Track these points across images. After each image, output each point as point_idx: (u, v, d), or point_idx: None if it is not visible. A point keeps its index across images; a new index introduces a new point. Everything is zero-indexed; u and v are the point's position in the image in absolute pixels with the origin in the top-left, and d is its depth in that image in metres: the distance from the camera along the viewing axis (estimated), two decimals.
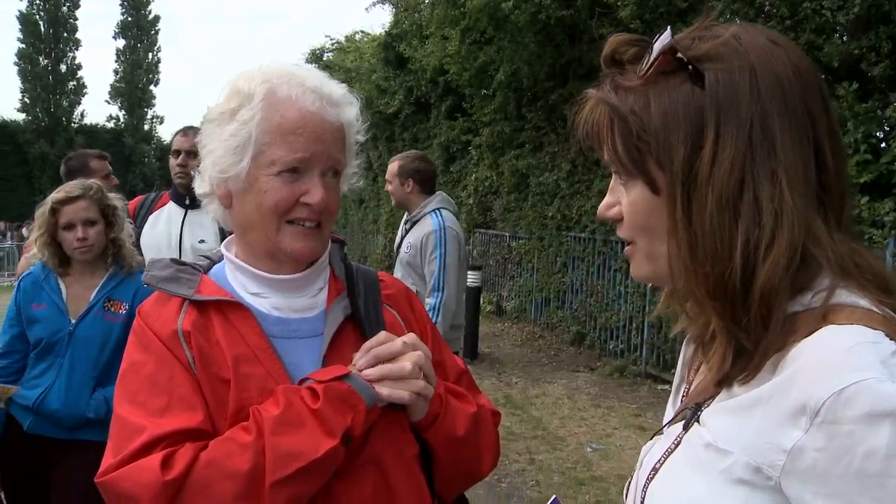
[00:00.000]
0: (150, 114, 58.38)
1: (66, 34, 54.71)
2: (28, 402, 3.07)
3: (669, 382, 6.40)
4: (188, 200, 4.09)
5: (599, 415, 7.82)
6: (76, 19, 55.44)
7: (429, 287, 4.66)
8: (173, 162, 4.19)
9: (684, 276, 0.95)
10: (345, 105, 1.48)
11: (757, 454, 0.86)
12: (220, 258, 1.60)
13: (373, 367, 1.39)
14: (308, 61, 25.27)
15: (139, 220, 4.10)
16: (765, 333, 0.91)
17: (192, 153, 4.02)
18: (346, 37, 24.46)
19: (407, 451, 1.47)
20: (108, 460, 1.32)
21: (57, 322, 3.11)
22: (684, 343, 1.20)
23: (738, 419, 0.91)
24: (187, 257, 3.96)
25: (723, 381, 0.96)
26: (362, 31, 23.69)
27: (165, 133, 59.10)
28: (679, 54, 0.94)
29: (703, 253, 0.92)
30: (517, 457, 6.48)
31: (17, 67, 53.67)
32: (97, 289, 3.18)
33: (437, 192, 4.97)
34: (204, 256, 1.63)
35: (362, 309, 1.53)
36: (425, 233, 4.71)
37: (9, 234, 30.85)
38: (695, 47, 0.95)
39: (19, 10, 53.71)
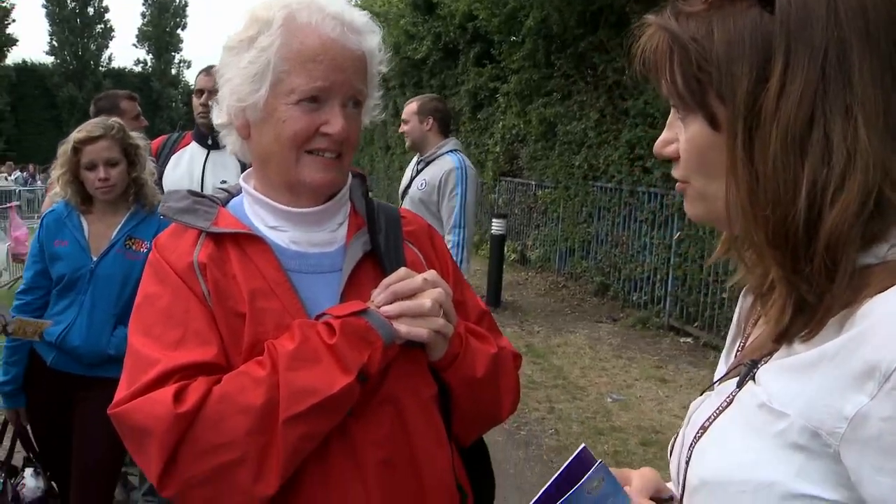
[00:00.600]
0: (177, 58, 58.54)
1: None
2: (51, 338, 3.09)
3: (692, 335, 6.50)
4: (210, 141, 4.07)
5: (620, 365, 7.81)
6: None
7: (448, 224, 4.69)
8: (196, 102, 4.17)
9: (742, 221, 0.87)
10: (367, 33, 1.44)
11: (816, 418, 0.79)
12: (239, 191, 1.57)
13: (391, 303, 1.35)
14: None
15: (161, 160, 4.08)
16: (830, 286, 0.82)
17: (216, 92, 3.98)
18: None
19: (425, 391, 1.44)
20: (121, 392, 1.32)
21: (79, 259, 3.12)
22: (742, 293, 1.11)
23: (797, 379, 0.82)
24: None
25: (782, 337, 0.88)
26: None
27: (192, 77, 58.72)
28: None
29: (765, 195, 0.83)
30: (537, 405, 6.50)
31: (44, 10, 53.69)
32: (119, 227, 3.18)
33: (450, 137, 5.04)
34: (222, 189, 1.60)
35: (383, 245, 1.50)
36: (446, 170, 4.75)
37: (38, 177, 31.06)
38: None
39: None
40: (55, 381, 3.14)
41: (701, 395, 1.07)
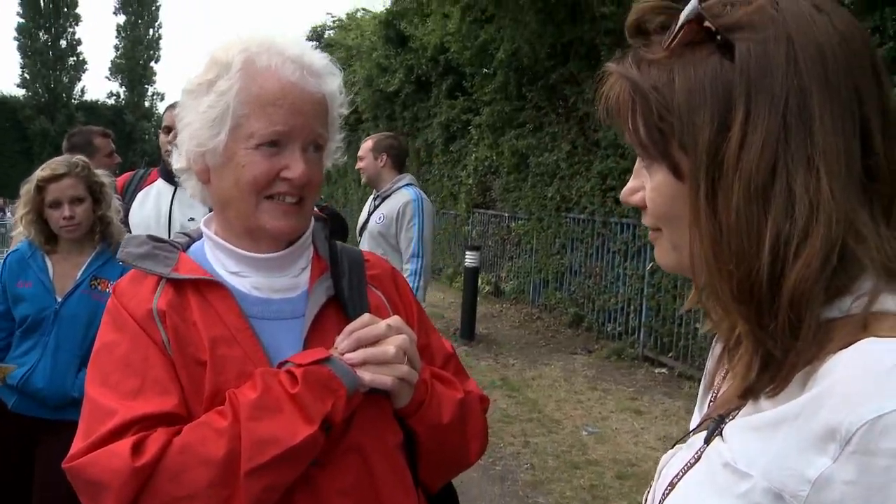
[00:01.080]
0: (150, 90, 58.27)
1: (65, 9, 54.52)
2: (12, 381, 3.03)
3: (666, 366, 6.49)
4: (178, 177, 4.00)
5: (596, 398, 7.79)
6: None
7: (406, 254, 4.83)
8: (164, 139, 4.08)
9: (707, 274, 0.85)
10: (326, 76, 1.42)
11: (779, 480, 0.76)
12: (200, 236, 1.54)
13: (355, 350, 1.33)
14: (309, 38, 25.09)
15: (127, 197, 4.00)
16: (794, 342, 0.79)
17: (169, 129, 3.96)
18: (348, 14, 24.30)
19: (390, 439, 1.42)
20: (77, 444, 1.28)
21: (43, 300, 3.07)
22: (714, 341, 1.08)
23: (760, 438, 0.80)
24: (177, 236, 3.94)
25: (748, 393, 0.86)
26: (363, 9, 23.53)
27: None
28: (706, 22, 0.83)
29: (728, 249, 0.81)
30: (512, 439, 6.45)
31: (16, 42, 53.44)
32: (84, 267, 3.14)
33: (405, 173, 5.21)
34: (183, 234, 1.58)
35: (346, 290, 1.47)
36: (402, 202, 4.91)
37: (8, 211, 30.76)
38: (726, 15, 0.84)
39: None
40: (17, 426, 3.08)
41: (672, 447, 1.02)
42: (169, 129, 4.00)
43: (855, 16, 0.86)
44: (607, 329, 10.25)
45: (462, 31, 13.06)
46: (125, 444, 1.21)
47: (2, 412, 3.09)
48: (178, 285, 1.39)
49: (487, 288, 13.83)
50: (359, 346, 1.33)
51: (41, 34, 53.82)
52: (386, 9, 18.80)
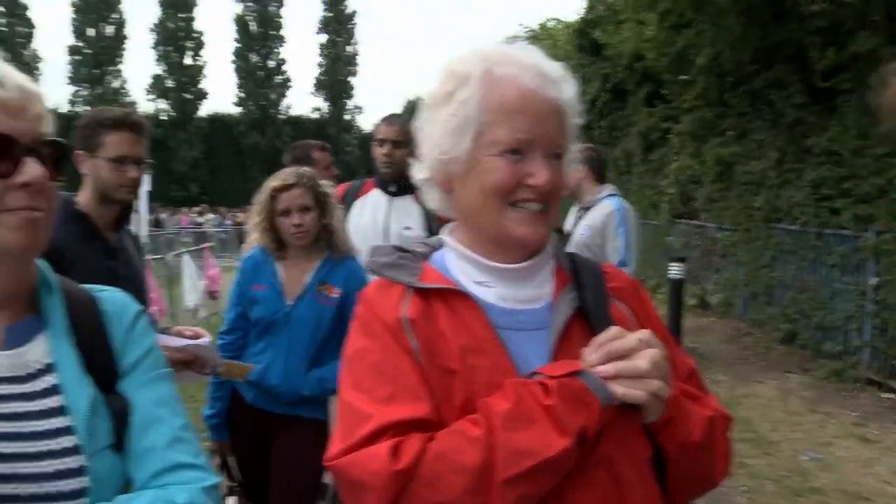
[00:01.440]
0: (350, 104, 60.86)
1: (273, 32, 58.17)
2: (251, 377, 3.29)
3: (895, 391, 5.99)
4: (394, 188, 4.19)
5: (816, 421, 7.43)
6: (281, 17, 58.79)
7: (615, 263, 4.79)
8: (379, 151, 4.25)
9: None
10: (563, 83, 1.42)
11: None
12: (439, 245, 1.57)
13: (605, 363, 1.32)
14: None
15: (346, 207, 4.16)
16: None
17: (398, 142, 4.13)
18: (540, 24, 24.37)
19: (641, 454, 1.40)
20: (336, 445, 1.34)
21: (275, 303, 3.30)
22: None
23: None
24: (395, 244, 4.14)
25: None
26: (556, 19, 23.54)
27: (364, 122, 61.22)
28: None
29: None
30: None
31: (233, 65, 57.69)
32: (312, 272, 3.34)
33: (605, 183, 5.22)
34: (423, 243, 1.59)
35: (590, 302, 1.46)
36: (606, 213, 4.94)
37: (227, 219, 33.21)
38: None
39: (235, 13, 57.71)
40: (255, 418, 3.36)
41: None
42: (383, 142, 4.22)
43: None
44: (825, 348, 9.71)
45: (659, 37, 12.84)
46: (383, 447, 1.26)
47: (242, 405, 3.38)
48: (424, 295, 1.41)
49: (693, 301, 13.48)
50: (609, 358, 1.32)
51: (252, 56, 57.79)
52: (579, 17, 18.76)
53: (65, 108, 52.91)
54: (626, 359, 1.31)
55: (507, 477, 1.23)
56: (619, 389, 1.30)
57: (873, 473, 6.08)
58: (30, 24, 52.81)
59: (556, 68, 1.42)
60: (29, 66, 52.65)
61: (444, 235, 1.56)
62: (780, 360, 10.02)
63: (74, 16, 53.93)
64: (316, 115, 59.85)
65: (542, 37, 22.94)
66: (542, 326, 1.42)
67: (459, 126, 1.38)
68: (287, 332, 3.29)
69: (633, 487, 1.36)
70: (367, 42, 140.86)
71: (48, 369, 1.27)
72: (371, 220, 4.17)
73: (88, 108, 52.13)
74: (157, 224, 30.73)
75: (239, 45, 57.41)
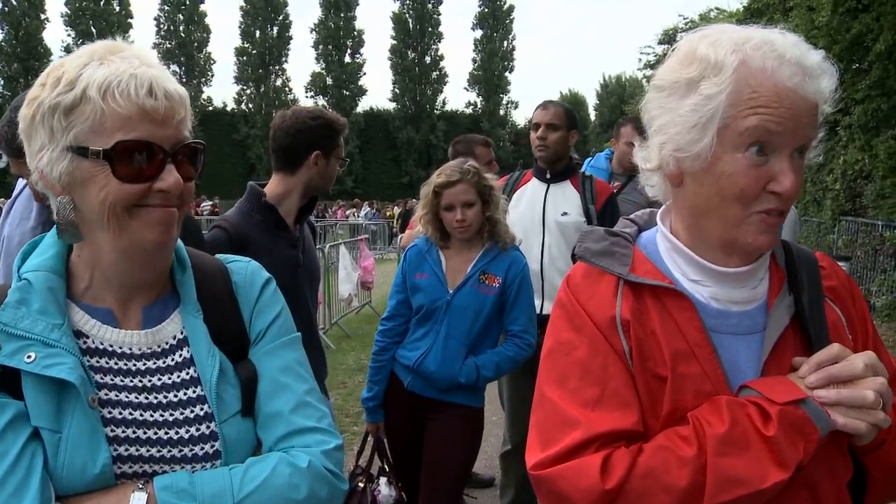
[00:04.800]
0: (504, 99, 61.33)
1: (430, 29, 59.49)
2: (409, 363, 3.38)
3: None
4: (549, 175, 4.24)
5: None
6: (439, 14, 59.97)
7: None
8: (533, 136, 4.33)
9: None
10: (823, 77, 1.26)
11: None
12: (646, 223, 1.51)
13: (824, 386, 1.24)
14: (661, 42, 24.78)
15: (506, 197, 4.26)
16: None
17: (552, 126, 4.22)
18: (701, 14, 23.65)
19: (842, 476, 1.33)
20: (539, 450, 1.31)
21: (437, 291, 3.37)
22: None
23: None
24: (551, 231, 4.15)
25: None
26: (717, 8, 22.74)
27: (518, 117, 61.57)
28: None
29: None
30: None
31: (389, 62, 59.34)
32: (474, 262, 3.40)
33: None
34: (632, 220, 1.53)
35: (807, 306, 1.36)
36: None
37: (378, 213, 34.03)
38: None
39: (392, 11, 59.47)
40: (410, 402, 3.42)
41: None
42: (538, 126, 4.28)
43: None
44: None
45: (832, 23, 12.10)
46: (594, 462, 1.22)
47: (399, 389, 3.45)
48: (636, 288, 1.35)
49: None
50: (830, 382, 1.24)
51: (409, 53, 59.19)
52: (742, 6, 18.01)
53: (231, 105, 56.16)
54: (848, 384, 1.23)
55: (714, 503, 1.19)
56: (840, 419, 1.22)
57: None
58: (206, 30, 56.36)
59: (817, 60, 1.27)
60: (203, 68, 56.16)
61: (658, 218, 1.48)
62: None
63: (242, 19, 57.09)
64: (469, 111, 60.60)
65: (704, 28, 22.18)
66: (754, 331, 1.35)
67: (703, 124, 1.26)
68: (446, 320, 3.36)
69: None
70: (522, 36, 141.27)
71: (182, 343, 1.38)
72: (529, 209, 4.24)
73: (251, 106, 55.17)
74: (321, 216, 31.99)
75: (396, 42, 58.92)
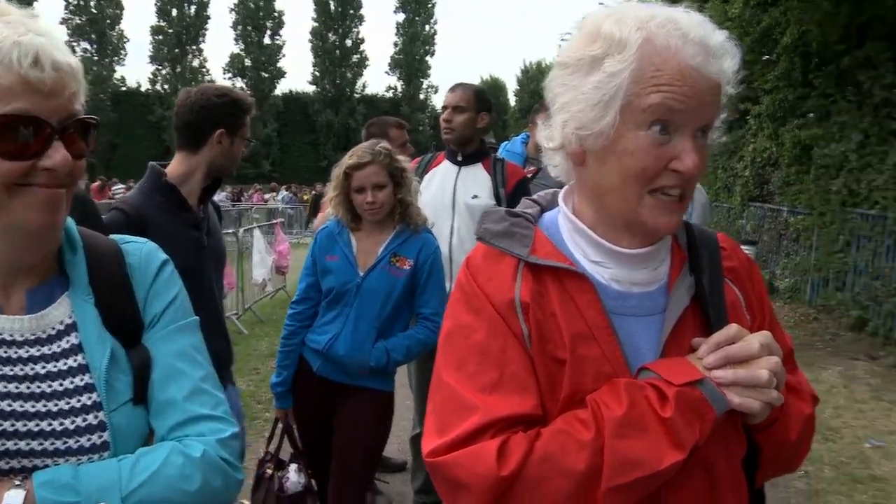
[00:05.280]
0: (425, 84, 61.19)
1: (352, 11, 58.81)
2: (318, 347, 3.33)
3: None
4: (461, 157, 4.23)
5: (881, 409, 7.12)
6: None
7: None
8: (441, 118, 4.34)
9: None
10: (726, 57, 1.26)
11: None
12: (549, 203, 1.49)
13: (721, 366, 1.25)
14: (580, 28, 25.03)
15: (418, 179, 4.25)
16: None
17: (457, 108, 4.22)
18: (622, 3, 23.96)
19: (737, 453, 1.35)
20: (434, 438, 1.28)
21: (347, 273, 3.33)
22: None
23: None
24: (461, 213, 4.15)
25: None
26: None
27: (439, 102, 61.63)
28: None
29: None
30: None
31: (310, 44, 58.49)
32: (385, 244, 3.37)
33: None
34: (533, 201, 1.50)
35: (707, 287, 1.37)
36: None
37: (297, 196, 33.66)
38: None
39: None
40: (320, 387, 3.38)
41: None
42: (444, 108, 4.29)
43: None
44: (895, 335, 9.34)
45: (744, 15, 12.46)
46: (490, 448, 1.21)
47: (308, 374, 3.41)
48: (537, 270, 1.33)
49: None
50: (727, 363, 1.25)
51: (330, 35, 58.44)
52: None
53: (145, 85, 54.56)
54: (744, 364, 1.25)
55: (612, 486, 1.18)
56: (736, 399, 1.24)
57: None
58: (119, 6, 54.40)
59: (721, 40, 1.26)
60: (116, 46, 54.33)
61: (560, 199, 1.46)
62: (847, 347, 9.64)
63: None
64: (390, 95, 60.30)
65: None
66: (654, 312, 1.35)
67: (606, 101, 1.25)
68: (356, 303, 3.32)
69: (728, 487, 1.32)
70: (444, 21, 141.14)
71: (70, 329, 1.30)
72: (440, 191, 4.22)
73: (167, 86, 53.73)
74: (237, 199, 31.40)
75: (317, 24, 58.09)
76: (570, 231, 1.40)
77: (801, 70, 12.16)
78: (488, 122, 4.30)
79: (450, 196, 4.19)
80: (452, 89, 4.36)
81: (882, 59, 9.89)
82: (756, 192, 14.35)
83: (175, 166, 2.88)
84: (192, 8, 55.74)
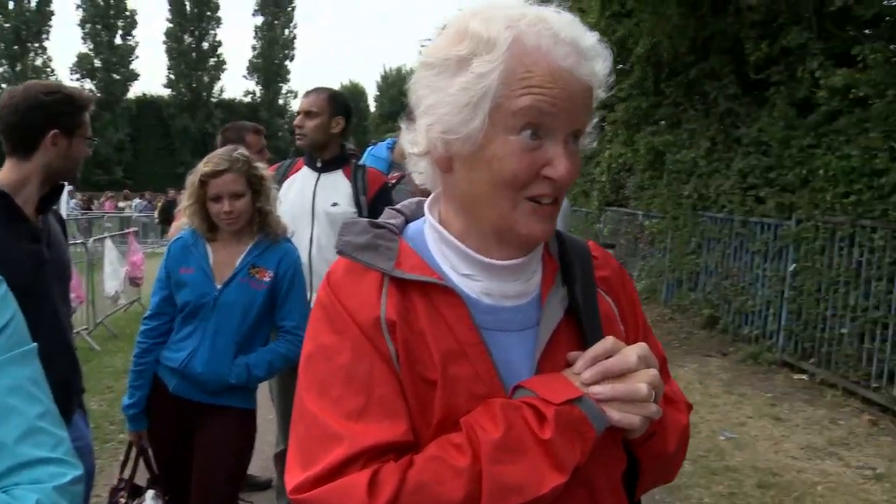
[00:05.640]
0: (284, 88, 60.33)
1: (208, 13, 57.28)
2: (174, 364, 3.14)
3: (807, 372, 6.25)
4: (320, 164, 4.10)
5: (732, 402, 7.51)
6: None
7: None
8: (297, 121, 4.18)
9: None
10: (598, 59, 1.20)
11: None
12: (415, 215, 1.40)
13: (599, 381, 1.20)
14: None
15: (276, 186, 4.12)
16: None
17: (309, 113, 4.07)
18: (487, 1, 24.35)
19: (617, 469, 1.32)
20: (298, 472, 1.19)
21: (203, 286, 3.14)
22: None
23: None
24: (320, 222, 4.01)
25: None
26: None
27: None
28: None
29: None
30: None
31: (164, 46, 56.49)
32: (242, 255, 3.20)
33: None
34: (397, 211, 1.41)
35: (580, 298, 1.31)
36: None
37: (153, 204, 32.44)
38: None
39: None
40: (177, 407, 3.18)
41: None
42: (298, 113, 4.14)
43: None
44: (743, 332, 9.88)
45: (600, 25, 12.88)
46: (360, 481, 1.12)
47: (164, 393, 3.20)
48: (403, 285, 1.24)
49: None
50: (605, 377, 1.20)
51: (186, 37, 56.70)
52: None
53: None
54: (622, 378, 1.20)
55: None
56: (615, 415, 1.19)
57: (783, 451, 6.20)
58: None
59: (593, 41, 1.20)
60: None
61: (426, 208, 1.36)
62: (700, 345, 10.12)
63: None
64: (248, 99, 59.14)
65: None
66: (527, 326, 1.28)
67: (473, 103, 1.17)
68: (214, 318, 3.13)
69: (608, 503, 1.29)
70: (304, 25, 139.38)
71: None
72: (298, 198, 4.04)
73: (6, 85, 50.45)
74: (87, 207, 29.85)
75: (171, 24, 56.22)
76: (437, 242, 1.31)
77: (654, 79, 12.68)
78: (344, 127, 4.15)
79: (309, 203, 4.04)
80: (306, 94, 4.22)
81: (726, 72, 10.43)
82: (612, 196, 14.86)
83: (6, 174, 2.61)
84: (33, 2, 52.71)
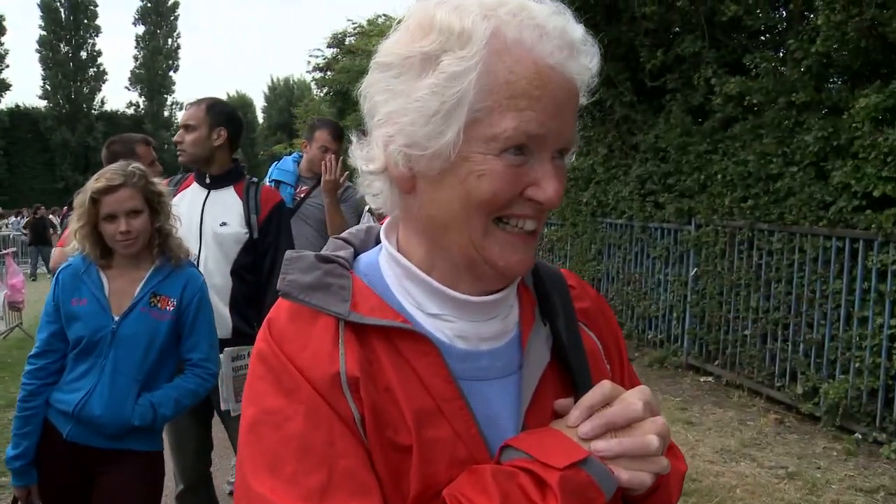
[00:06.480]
0: (169, 100, 58.70)
1: (86, 21, 55.12)
2: (67, 408, 2.78)
3: (712, 374, 6.29)
4: (209, 180, 3.81)
5: None
6: (96, 6, 55.99)
7: None
8: (178, 137, 3.88)
9: None
10: (587, 55, 1.02)
11: None
12: (362, 242, 1.19)
13: (601, 435, 1.01)
14: (329, 45, 25.02)
15: None
16: None
17: (187, 126, 3.79)
18: (369, 20, 24.25)
19: None
20: None
21: (99, 319, 2.81)
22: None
23: None
24: (208, 244, 3.70)
25: None
26: (385, 15, 23.48)
27: None
28: None
29: None
30: None
31: (38, 55, 53.96)
32: (142, 283, 2.89)
33: None
34: (344, 241, 1.18)
35: (564, 335, 1.12)
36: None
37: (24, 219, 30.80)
38: None
39: None
40: (72, 456, 2.82)
41: None
42: (187, 127, 3.81)
43: None
44: (648, 337, 10.02)
45: None
46: None
47: (56, 442, 2.83)
48: (362, 331, 1.03)
49: None
50: (608, 430, 1.01)
51: (62, 46, 54.34)
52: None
53: None
54: (626, 429, 1.01)
55: None
56: (625, 475, 0.99)
57: (699, 455, 6.23)
58: None
59: (582, 34, 1.01)
60: None
61: (382, 235, 1.15)
62: None
63: None
64: (131, 111, 57.23)
65: (371, 32, 22.75)
66: (508, 372, 1.08)
67: (445, 111, 0.96)
68: (112, 353, 2.78)
69: None
70: (188, 35, 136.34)
71: None
72: (186, 217, 3.63)
73: None
74: None
75: (45, 32, 53.76)
76: (397, 277, 1.10)
77: None
78: (228, 139, 3.82)
79: (197, 222, 3.72)
80: (186, 107, 3.93)
81: (621, 79, 10.55)
82: None
83: None
84: None
